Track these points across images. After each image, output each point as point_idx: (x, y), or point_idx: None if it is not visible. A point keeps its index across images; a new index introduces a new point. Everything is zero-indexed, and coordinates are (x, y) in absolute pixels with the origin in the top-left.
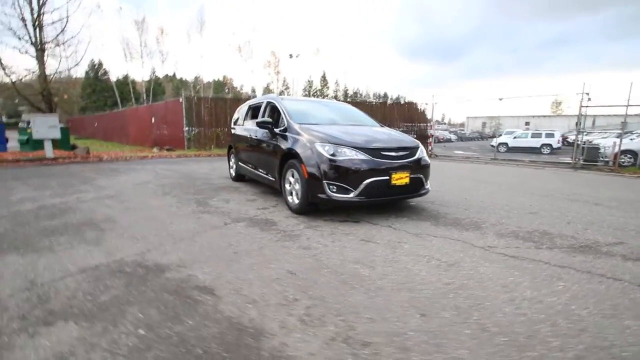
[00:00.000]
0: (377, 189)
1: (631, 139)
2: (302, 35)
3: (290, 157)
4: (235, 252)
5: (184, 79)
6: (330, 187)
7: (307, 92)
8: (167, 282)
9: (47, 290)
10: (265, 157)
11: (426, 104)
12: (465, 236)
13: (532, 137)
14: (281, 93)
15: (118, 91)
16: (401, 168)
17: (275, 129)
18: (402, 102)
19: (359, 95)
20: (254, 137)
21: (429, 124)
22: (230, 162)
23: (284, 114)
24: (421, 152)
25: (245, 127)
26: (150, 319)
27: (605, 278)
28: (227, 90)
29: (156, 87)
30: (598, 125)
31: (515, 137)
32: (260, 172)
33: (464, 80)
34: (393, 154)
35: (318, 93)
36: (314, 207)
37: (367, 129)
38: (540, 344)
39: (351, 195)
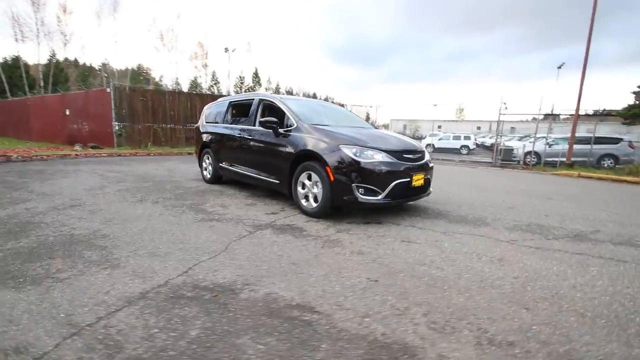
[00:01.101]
0: (401, 191)
1: (530, 142)
2: (232, 30)
3: (304, 159)
4: (293, 263)
5: (92, 65)
6: (359, 189)
7: (238, 88)
8: (252, 304)
9: (106, 335)
10: (266, 159)
11: (370, 106)
12: (485, 232)
13: (453, 139)
14: (210, 87)
15: (5, 75)
16: (419, 169)
17: (280, 129)
18: (332, 103)
19: (292, 95)
20: (246, 136)
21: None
22: (204, 163)
23: (291, 113)
24: (427, 155)
25: (230, 126)
26: (277, 350)
27: (615, 261)
28: (143, 80)
29: (57, 73)
30: (505, 130)
31: (440, 139)
32: (257, 174)
33: (386, 84)
34: (411, 156)
35: (250, 90)
36: (334, 210)
37: (374, 130)
38: (631, 320)
39: (379, 197)
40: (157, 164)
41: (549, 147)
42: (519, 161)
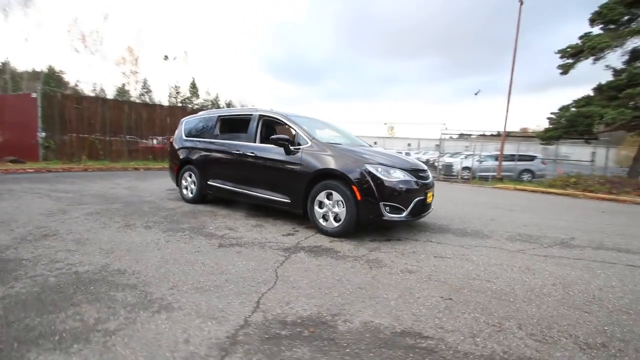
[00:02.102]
0: (419, 207)
1: (462, 158)
2: (167, 37)
3: (322, 178)
4: (359, 287)
5: None
6: (386, 207)
7: (174, 98)
8: (359, 336)
9: None
10: (274, 177)
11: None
12: (492, 243)
13: None
14: (141, 95)
15: None
16: (429, 187)
17: (291, 147)
18: None
19: (232, 107)
20: (247, 153)
21: None
22: (185, 182)
23: (302, 131)
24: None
25: (222, 142)
26: None
27: (608, 263)
28: (54, 84)
29: None
30: (429, 147)
31: None
32: (261, 193)
33: (324, 101)
34: (423, 174)
35: (187, 101)
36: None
37: (381, 149)
38: None
39: (403, 214)
40: (108, 181)
41: (480, 163)
42: (456, 175)
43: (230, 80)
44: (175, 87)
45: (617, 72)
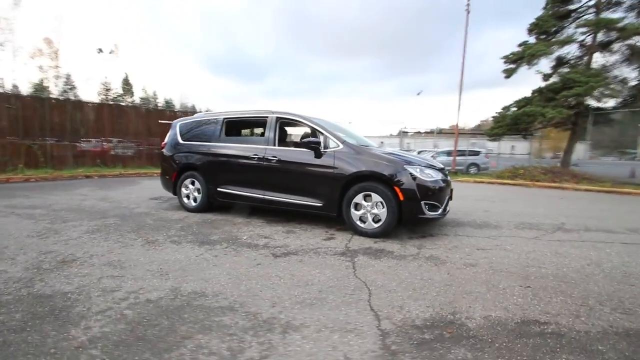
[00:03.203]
0: (447, 204)
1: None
2: (92, 29)
3: (358, 180)
4: (446, 284)
5: None
6: (426, 206)
7: (104, 96)
8: (497, 331)
9: None
10: (303, 181)
11: None
12: (510, 233)
13: None
14: (64, 92)
15: None
16: (450, 184)
17: (321, 150)
18: None
19: (170, 105)
20: (268, 157)
21: None
22: (186, 190)
23: (330, 134)
24: None
25: (235, 145)
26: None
27: (607, 243)
28: None
29: None
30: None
31: None
32: (287, 198)
33: (267, 99)
34: (445, 172)
35: (120, 98)
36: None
37: (393, 149)
38: None
39: (439, 211)
40: (68, 192)
41: (434, 159)
42: None
43: (167, 77)
44: (105, 83)
45: (545, 76)
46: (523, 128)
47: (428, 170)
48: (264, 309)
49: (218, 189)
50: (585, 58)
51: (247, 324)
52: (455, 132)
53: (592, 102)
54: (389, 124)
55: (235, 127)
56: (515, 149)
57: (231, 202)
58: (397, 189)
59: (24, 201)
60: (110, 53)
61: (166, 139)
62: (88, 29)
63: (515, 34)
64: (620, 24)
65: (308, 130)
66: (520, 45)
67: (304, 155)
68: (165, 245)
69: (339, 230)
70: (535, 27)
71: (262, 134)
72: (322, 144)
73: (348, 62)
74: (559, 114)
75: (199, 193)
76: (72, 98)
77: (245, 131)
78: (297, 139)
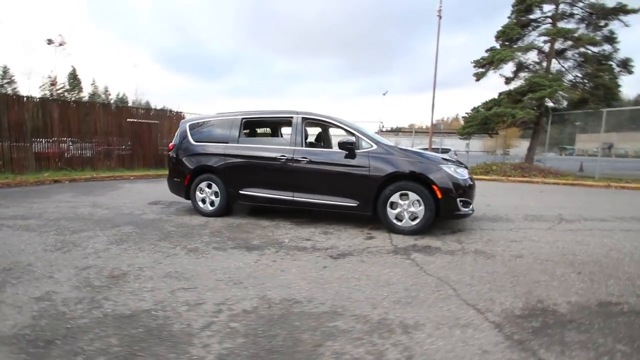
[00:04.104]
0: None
1: None
2: (33, 19)
3: (395, 180)
4: (513, 275)
5: None
6: (461, 203)
7: (49, 92)
8: (595, 317)
9: None
10: (337, 182)
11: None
12: (526, 225)
13: None
14: (1, 87)
15: None
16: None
17: (356, 150)
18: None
19: (124, 102)
20: (299, 158)
21: None
22: (201, 194)
23: (363, 134)
24: None
25: (261, 146)
26: None
27: (608, 230)
28: None
29: None
30: None
31: None
32: (319, 199)
33: (229, 98)
34: (468, 170)
35: (67, 94)
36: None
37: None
38: None
39: (469, 208)
40: (46, 199)
41: None
42: None
43: (119, 71)
44: (50, 77)
45: (507, 80)
46: (491, 127)
47: (459, 169)
48: (368, 311)
49: (240, 192)
50: (544, 64)
51: (365, 327)
52: (430, 131)
53: (550, 104)
54: (365, 123)
55: (255, 127)
56: (470, 146)
57: (249, 205)
58: (435, 187)
59: (5, 211)
60: (59, 45)
61: (174, 141)
62: (26, 19)
63: (467, 40)
64: (576, 34)
65: (340, 131)
66: (487, 50)
67: (336, 156)
68: (212, 253)
69: (373, 229)
70: (502, 34)
71: (281, 135)
72: (355, 145)
73: (311, 62)
74: (527, 114)
75: (216, 197)
76: (10, 93)
77: (267, 132)
78: (318, 139)
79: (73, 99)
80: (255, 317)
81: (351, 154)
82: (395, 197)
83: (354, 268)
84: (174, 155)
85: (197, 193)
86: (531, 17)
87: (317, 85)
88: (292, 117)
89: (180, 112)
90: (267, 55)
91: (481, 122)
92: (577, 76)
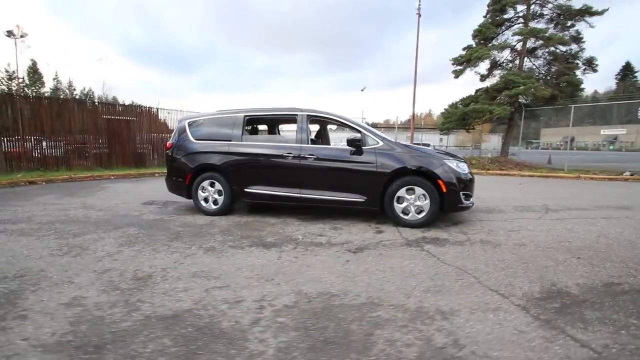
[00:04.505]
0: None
1: None
2: None
3: (402, 175)
4: (522, 262)
5: None
6: (463, 196)
7: (6, 87)
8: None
9: None
10: (344, 178)
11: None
12: (517, 215)
13: None
14: None
15: None
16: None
17: (362, 147)
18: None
19: (88, 97)
20: (306, 155)
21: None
22: (204, 193)
23: (369, 131)
24: None
25: (265, 144)
26: None
27: (593, 218)
28: None
29: None
30: None
31: None
32: (327, 195)
33: (203, 93)
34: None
35: (27, 87)
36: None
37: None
38: None
39: (470, 201)
40: (34, 202)
41: None
42: None
43: (83, 66)
44: (8, 71)
45: (482, 77)
46: (469, 123)
47: (460, 164)
48: (403, 300)
49: (245, 190)
50: (517, 62)
51: (406, 316)
52: (411, 127)
53: (522, 100)
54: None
55: (258, 124)
56: (443, 141)
57: (250, 203)
58: (440, 182)
59: None
60: (20, 37)
61: (173, 139)
62: None
63: (438, 37)
64: (547, 34)
65: (342, 128)
66: (464, 49)
67: (343, 153)
68: (230, 252)
69: (380, 224)
70: (479, 33)
71: (278, 132)
72: (362, 142)
73: (286, 57)
74: (504, 111)
75: (219, 195)
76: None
77: (269, 129)
78: (317, 136)
79: (33, 94)
80: (299, 312)
81: (358, 151)
82: (401, 192)
83: (375, 261)
84: (174, 154)
85: (199, 192)
86: (505, 16)
87: (293, 80)
88: (296, 115)
89: (160, 109)
90: (241, 50)
91: (460, 118)
92: (546, 74)
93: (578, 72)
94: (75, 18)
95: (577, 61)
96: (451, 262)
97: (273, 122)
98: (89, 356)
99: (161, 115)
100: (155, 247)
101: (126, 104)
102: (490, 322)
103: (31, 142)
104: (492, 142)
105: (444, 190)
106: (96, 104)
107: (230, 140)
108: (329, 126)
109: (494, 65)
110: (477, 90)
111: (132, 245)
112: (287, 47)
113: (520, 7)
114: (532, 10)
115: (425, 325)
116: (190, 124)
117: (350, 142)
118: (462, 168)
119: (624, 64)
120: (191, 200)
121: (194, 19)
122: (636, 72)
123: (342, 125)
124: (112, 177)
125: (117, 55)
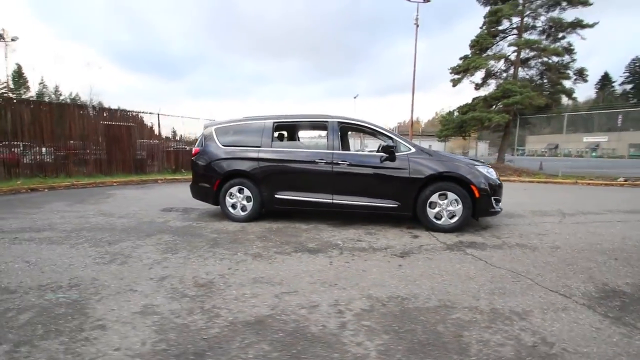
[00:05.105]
0: None
1: None
2: None
3: (435, 181)
4: (567, 264)
5: None
6: (494, 201)
7: None
8: None
9: None
10: (380, 184)
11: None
12: (537, 220)
13: None
14: None
15: None
16: None
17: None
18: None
19: (77, 100)
20: (339, 161)
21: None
22: (232, 199)
23: (399, 139)
24: None
25: (297, 151)
26: None
27: (610, 222)
28: None
29: None
30: None
31: None
32: (358, 201)
33: (194, 99)
34: None
35: (12, 92)
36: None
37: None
38: None
39: (499, 205)
40: (44, 209)
41: None
42: None
43: (71, 71)
44: None
45: (477, 86)
46: (466, 130)
47: (490, 170)
48: (474, 303)
49: (276, 196)
50: (511, 71)
51: (485, 317)
52: (410, 133)
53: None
54: None
55: (287, 131)
56: (431, 147)
57: (275, 210)
58: (473, 187)
59: (3, 223)
60: (12, 41)
61: (199, 145)
62: None
63: (424, 45)
64: (542, 45)
65: (373, 135)
66: (461, 58)
67: (375, 159)
68: (279, 258)
69: (410, 228)
70: (476, 44)
71: (298, 139)
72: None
73: (275, 64)
74: (502, 118)
75: (248, 201)
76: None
77: (299, 135)
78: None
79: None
80: (380, 315)
81: (391, 157)
82: (434, 197)
83: (426, 265)
84: (200, 160)
85: (227, 198)
86: (500, 28)
87: (282, 87)
88: (327, 122)
89: (162, 114)
90: (230, 56)
91: (457, 126)
92: (540, 83)
93: (569, 82)
94: (62, 22)
95: (569, 71)
96: (501, 265)
97: (301, 129)
98: None
99: (162, 122)
100: (199, 254)
101: (132, 110)
102: (565, 321)
103: (30, 148)
104: (479, 149)
105: (477, 195)
106: (97, 109)
107: (259, 147)
108: (348, 132)
109: (489, 74)
110: (474, 99)
111: (174, 252)
112: (276, 54)
113: (515, 19)
114: (525, 22)
115: (508, 326)
116: (217, 131)
117: (384, 148)
118: (492, 174)
119: (602, 74)
120: (213, 206)
121: (183, 24)
122: (614, 82)
123: (372, 132)
124: (114, 184)
125: (105, 61)
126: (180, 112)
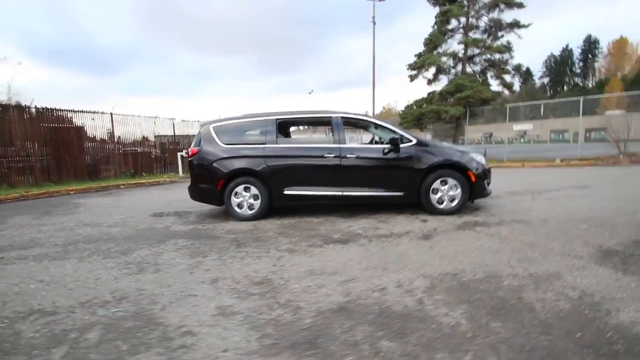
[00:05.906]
0: None
1: None
2: None
3: (436, 169)
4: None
5: None
6: (487, 184)
7: None
8: None
9: None
10: (387, 174)
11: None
12: (516, 198)
13: None
14: None
15: None
16: None
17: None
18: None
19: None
20: (348, 155)
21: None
22: (238, 198)
23: (402, 131)
24: None
25: (304, 146)
26: None
27: (591, 195)
28: None
29: None
30: None
31: None
32: (366, 192)
33: (125, 96)
34: None
35: None
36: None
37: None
38: None
39: (489, 188)
40: (10, 224)
41: None
42: None
43: None
44: None
45: (429, 81)
46: (424, 122)
47: (481, 156)
48: (512, 271)
49: (285, 192)
50: (459, 67)
51: (529, 281)
52: None
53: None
54: None
55: (290, 127)
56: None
57: (295, 204)
58: (470, 173)
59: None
60: None
61: (196, 145)
62: None
63: (369, 42)
64: (487, 43)
65: (374, 128)
66: (416, 55)
67: (381, 151)
68: (314, 250)
69: (416, 214)
70: (430, 42)
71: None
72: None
73: (220, 59)
74: (457, 111)
75: (255, 200)
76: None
77: (302, 131)
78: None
79: None
80: (445, 289)
81: (397, 149)
82: (436, 184)
83: (452, 243)
84: (200, 161)
85: (233, 198)
86: (449, 27)
87: (229, 83)
88: (331, 117)
89: (113, 113)
90: (171, 51)
91: (416, 118)
92: (485, 78)
93: (509, 76)
94: None
95: (508, 67)
96: (513, 238)
97: (305, 124)
98: (313, 351)
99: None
100: (232, 255)
101: (76, 109)
102: (590, 276)
103: None
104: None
105: (473, 180)
106: (40, 110)
107: (264, 144)
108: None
109: (440, 70)
110: (429, 93)
111: (204, 255)
112: (221, 49)
113: (462, 19)
114: (470, 22)
115: (551, 285)
116: (216, 129)
117: (392, 141)
118: (483, 160)
119: (524, 69)
120: (208, 208)
121: (114, 14)
122: (534, 76)
123: (374, 125)
124: (72, 192)
125: (23, 55)
126: (120, 111)
